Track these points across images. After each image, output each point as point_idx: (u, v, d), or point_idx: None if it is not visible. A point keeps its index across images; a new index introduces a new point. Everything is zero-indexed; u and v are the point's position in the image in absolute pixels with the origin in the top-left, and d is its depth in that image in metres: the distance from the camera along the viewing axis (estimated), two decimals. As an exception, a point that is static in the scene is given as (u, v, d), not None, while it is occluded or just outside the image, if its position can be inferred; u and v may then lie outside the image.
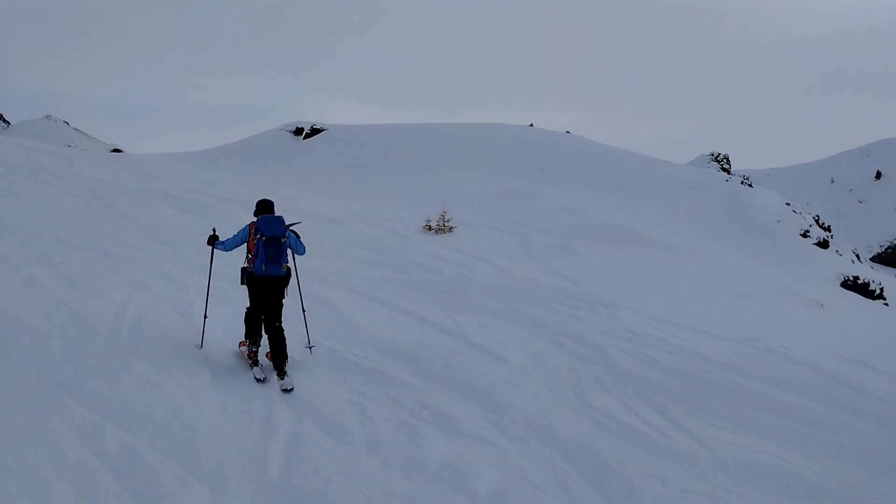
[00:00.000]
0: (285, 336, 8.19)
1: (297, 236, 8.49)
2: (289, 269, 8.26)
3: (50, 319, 8.73)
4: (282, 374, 7.91)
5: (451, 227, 22.43)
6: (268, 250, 7.92)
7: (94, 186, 20.35)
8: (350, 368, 8.68)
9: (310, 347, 8.98)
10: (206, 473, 5.78)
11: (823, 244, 31.25)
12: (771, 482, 6.71)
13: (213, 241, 8.62)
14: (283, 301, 8.31)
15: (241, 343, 8.82)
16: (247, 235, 8.20)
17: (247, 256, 8.20)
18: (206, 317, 8.91)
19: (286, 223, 8.22)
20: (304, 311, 9.18)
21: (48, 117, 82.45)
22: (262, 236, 7.97)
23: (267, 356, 8.47)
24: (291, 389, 7.66)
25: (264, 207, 8.41)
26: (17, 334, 7.95)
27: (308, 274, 13.25)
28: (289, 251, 8.42)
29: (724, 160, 63.94)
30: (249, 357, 8.30)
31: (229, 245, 8.37)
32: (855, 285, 27.71)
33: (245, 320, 8.37)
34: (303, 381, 7.98)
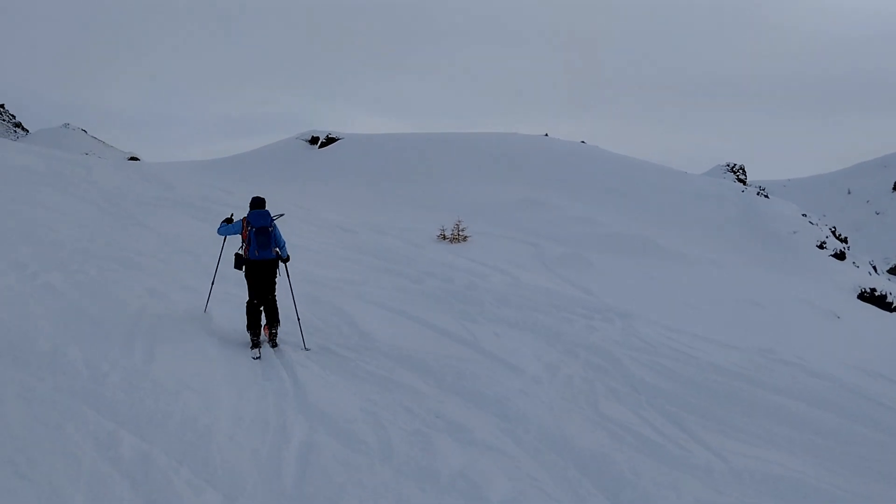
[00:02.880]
0: (277, 306, 9.64)
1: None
2: (278, 253, 9.67)
3: (66, 326, 8.79)
4: (274, 343, 9.47)
5: (465, 237, 22.44)
6: (258, 238, 9.41)
7: (111, 194, 20.52)
8: (363, 377, 8.69)
9: (306, 350, 9.61)
10: (219, 481, 5.78)
11: (840, 255, 31.06)
12: (787, 494, 6.64)
13: (227, 222, 10.09)
14: (276, 281, 9.67)
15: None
16: (240, 227, 9.67)
17: (241, 245, 9.59)
18: (212, 285, 10.73)
19: (271, 215, 9.66)
20: (298, 318, 10.09)
21: (66, 125, 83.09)
22: (252, 228, 9.44)
23: (264, 329, 9.67)
24: (276, 346, 9.40)
25: (255, 203, 9.72)
26: (33, 341, 8.00)
27: (321, 282, 13.31)
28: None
29: (740, 171, 63.70)
30: (252, 342, 9.37)
31: (225, 231, 9.88)
32: (872, 297, 27.50)
33: (246, 310, 9.52)
34: (316, 389, 8.00)
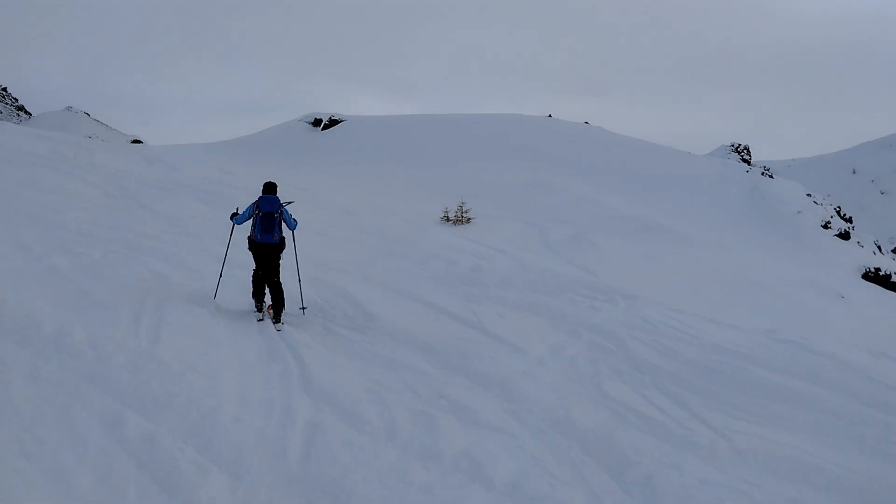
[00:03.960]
0: (283, 290, 10.04)
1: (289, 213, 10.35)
2: (283, 238, 10.10)
3: (71, 308, 8.82)
4: (278, 320, 9.76)
5: (470, 219, 22.43)
6: (263, 222, 9.89)
7: (114, 177, 20.52)
8: (368, 358, 8.71)
9: (303, 309, 10.47)
10: (225, 461, 5.81)
11: (844, 235, 30.99)
12: (790, 473, 6.66)
13: (233, 216, 10.44)
14: (280, 262, 10.14)
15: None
16: (251, 212, 10.09)
17: (251, 228, 10.05)
18: (221, 275, 10.76)
19: (280, 201, 10.10)
20: (299, 280, 10.85)
21: (69, 108, 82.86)
22: (259, 212, 9.91)
23: (268, 310, 10.10)
24: (280, 330, 9.42)
25: (267, 188, 10.19)
26: (39, 322, 8.03)
27: (326, 264, 13.33)
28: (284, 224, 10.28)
29: (745, 151, 63.44)
30: (256, 307, 10.09)
31: (240, 220, 10.24)
32: (876, 277, 27.47)
33: (252, 280, 10.14)
34: (321, 370, 8.02)
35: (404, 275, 13.47)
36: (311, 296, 11.10)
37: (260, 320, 9.81)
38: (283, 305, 9.95)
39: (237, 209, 10.87)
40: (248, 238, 10.09)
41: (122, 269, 11.12)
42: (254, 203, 10.10)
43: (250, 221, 10.15)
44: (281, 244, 10.07)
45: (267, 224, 9.88)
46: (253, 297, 10.14)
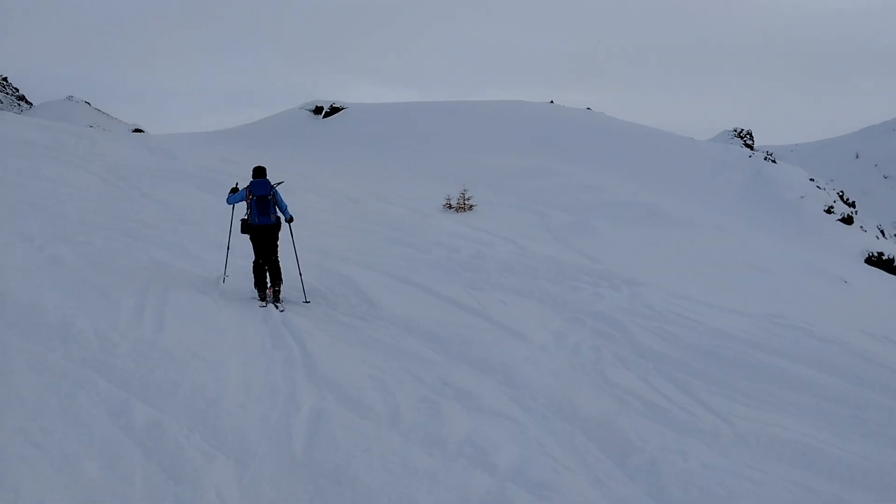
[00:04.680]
0: (280, 267, 10.49)
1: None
2: (278, 218, 10.50)
3: (75, 297, 8.84)
4: (278, 298, 10.27)
5: (471, 206, 22.41)
6: (258, 206, 10.29)
7: (116, 166, 20.52)
8: (371, 345, 8.73)
9: (306, 302, 10.46)
10: (230, 448, 5.84)
11: (847, 220, 30.94)
12: (794, 458, 6.67)
13: (233, 191, 10.77)
14: (277, 244, 10.50)
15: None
16: (244, 195, 10.47)
17: (246, 211, 10.39)
18: (227, 261, 11.16)
19: (271, 183, 10.48)
20: (300, 273, 10.91)
21: (70, 98, 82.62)
22: (253, 196, 10.28)
23: (269, 290, 10.39)
24: (283, 311, 9.80)
25: (256, 172, 10.56)
26: (43, 312, 8.05)
27: (328, 252, 13.34)
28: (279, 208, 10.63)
29: (748, 136, 63.29)
30: (259, 296, 10.30)
31: (233, 199, 10.65)
32: (879, 261, 27.44)
33: (253, 270, 10.40)
34: (324, 357, 8.04)
35: (406, 262, 13.48)
36: (314, 284, 11.11)
37: (263, 307, 9.96)
38: (282, 281, 10.44)
39: (237, 184, 11.25)
40: (243, 221, 10.42)
41: (124, 258, 11.14)
42: (246, 188, 10.46)
43: (244, 205, 10.52)
44: (277, 224, 10.47)
45: (262, 206, 10.28)
46: (255, 286, 10.36)
